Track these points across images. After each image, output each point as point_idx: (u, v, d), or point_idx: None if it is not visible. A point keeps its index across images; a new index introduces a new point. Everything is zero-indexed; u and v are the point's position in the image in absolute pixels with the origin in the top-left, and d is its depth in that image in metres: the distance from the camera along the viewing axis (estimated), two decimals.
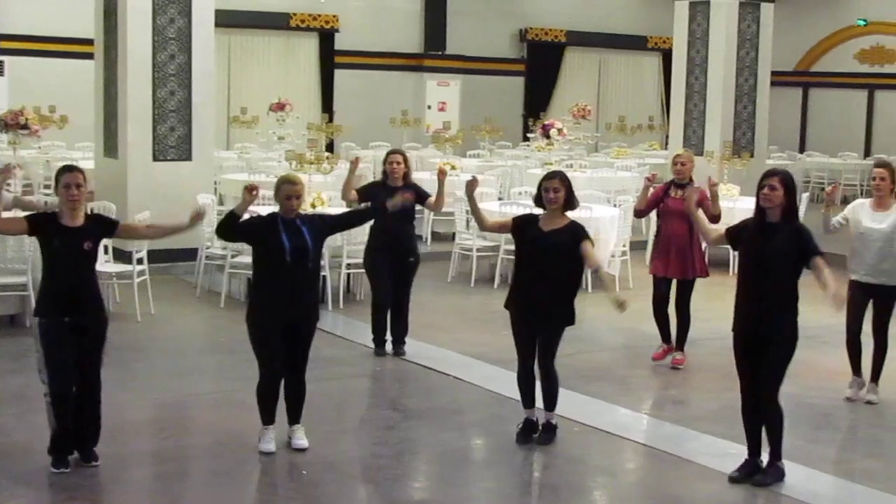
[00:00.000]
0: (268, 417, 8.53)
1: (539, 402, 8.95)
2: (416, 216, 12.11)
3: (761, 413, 8.18)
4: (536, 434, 8.95)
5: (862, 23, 29.38)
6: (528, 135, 26.09)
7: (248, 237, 8.72)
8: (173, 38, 15.72)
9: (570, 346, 10.52)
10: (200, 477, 8.50)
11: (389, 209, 9.28)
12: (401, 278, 11.48)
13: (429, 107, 28.16)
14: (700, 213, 9.02)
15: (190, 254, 14.85)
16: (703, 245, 11.61)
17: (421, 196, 11.48)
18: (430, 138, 25.07)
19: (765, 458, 8.28)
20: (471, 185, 9.16)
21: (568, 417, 9.42)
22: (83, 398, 8.01)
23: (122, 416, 9.34)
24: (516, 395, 9.07)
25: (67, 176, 8.00)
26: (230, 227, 8.38)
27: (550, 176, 8.91)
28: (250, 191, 8.23)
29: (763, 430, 8.24)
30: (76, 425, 8.03)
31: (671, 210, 11.26)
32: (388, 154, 11.64)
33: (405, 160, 11.51)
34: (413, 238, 11.65)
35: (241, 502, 7.92)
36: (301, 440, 8.58)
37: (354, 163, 11.79)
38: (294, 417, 8.64)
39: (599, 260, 8.76)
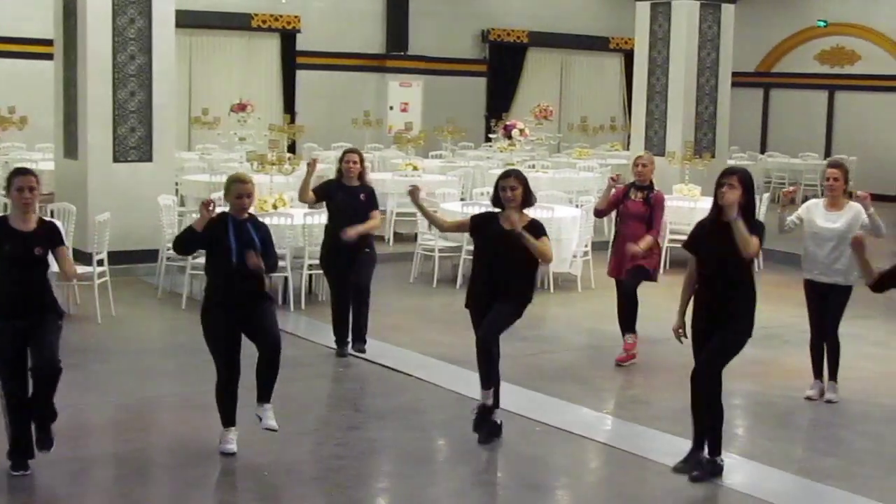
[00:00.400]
0: (227, 420, 8.49)
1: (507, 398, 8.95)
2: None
3: (698, 391, 8.18)
4: (492, 414, 8.89)
5: (822, 24, 29.54)
6: (490, 135, 26.13)
7: (200, 247, 8.64)
8: (133, 39, 15.64)
9: (532, 346, 10.58)
10: (161, 479, 8.46)
11: (250, 267, 8.39)
12: (357, 272, 11.43)
13: (391, 107, 28.12)
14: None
15: (151, 255, 14.80)
16: (663, 248, 11.66)
17: (369, 206, 11.42)
18: (392, 139, 25.05)
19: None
20: (413, 193, 9.12)
21: (530, 417, 9.45)
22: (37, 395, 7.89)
23: (83, 418, 9.29)
24: (478, 395, 9.06)
25: (20, 179, 7.89)
26: (187, 243, 8.38)
27: (507, 174, 8.93)
28: (207, 206, 8.20)
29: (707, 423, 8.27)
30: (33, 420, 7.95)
31: (630, 212, 11.30)
32: (345, 153, 11.63)
33: (361, 159, 11.51)
34: (368, 237, 11.60)
35: None
36: (270, 420, 8.50)
37: (312, 164, 11.77)
38: (265, 395, 8.53)
39: (547, 254, 8.73)
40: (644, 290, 11.53)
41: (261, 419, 8.53)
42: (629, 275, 11.34)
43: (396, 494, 8.27)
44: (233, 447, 8.45)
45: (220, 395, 8.48)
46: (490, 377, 8.83)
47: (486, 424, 8.93)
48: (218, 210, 8.39)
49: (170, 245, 14.00)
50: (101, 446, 8.98)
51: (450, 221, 9.61)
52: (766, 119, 31.33)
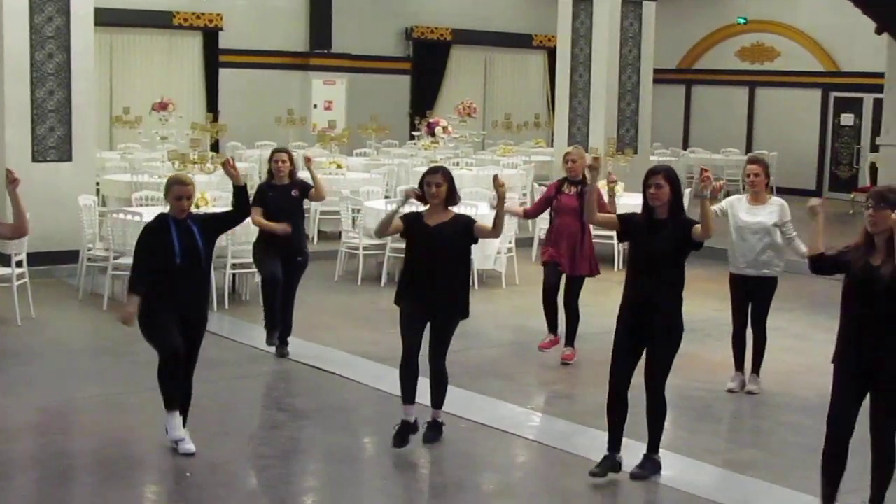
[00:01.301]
0: (171, 400, 8.38)
1: (424, 398, 8.92)
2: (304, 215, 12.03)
3: (647, 405, 8.26)
4: (414, 434, 8.85)
5: (742, 21, 29.82)
6: (415, 133, 26.12)
7: (148, 252, 8.53)
8: (51, 37, 15.45)
9: (457, 343, 10.52)
10: (84, 481, 8.36)
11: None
12: (287, 278, 11.41)
13: (315, 106, 28.00)
14: (596, 192, 8.90)
15: (72, 256, 14.63)
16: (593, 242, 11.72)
17: (305, 190, 11.47)
18: (316, 137, 24.96)
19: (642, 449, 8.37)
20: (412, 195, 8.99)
21: (455, 414, 9.44)
22: None
23: (2, 421, 9.17)
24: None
25: None
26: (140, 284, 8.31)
27: (433, 171, 8.94)
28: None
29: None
30: None
31: (564, 207, 11.34)
32: (274, 152, 11.61)
33: (290, 158, 11.49)
34: (302, 236, 11.61)
35: None
36: (188, 445, 8.45)
37: (226, 164, 11.68)
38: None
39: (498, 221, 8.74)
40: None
41: (177, 444, 8.47)
42: (571, 285, 11.40)
43: (321, 493, 8.24)
44: (181, 433, 8.39)
45: (162, 375, 8.35)
46: (443, 398, 8.93)
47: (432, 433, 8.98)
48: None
49: (91, 245, 13.93)
50: (21, 449, 8.85)
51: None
52: (688, 115, 31.58)
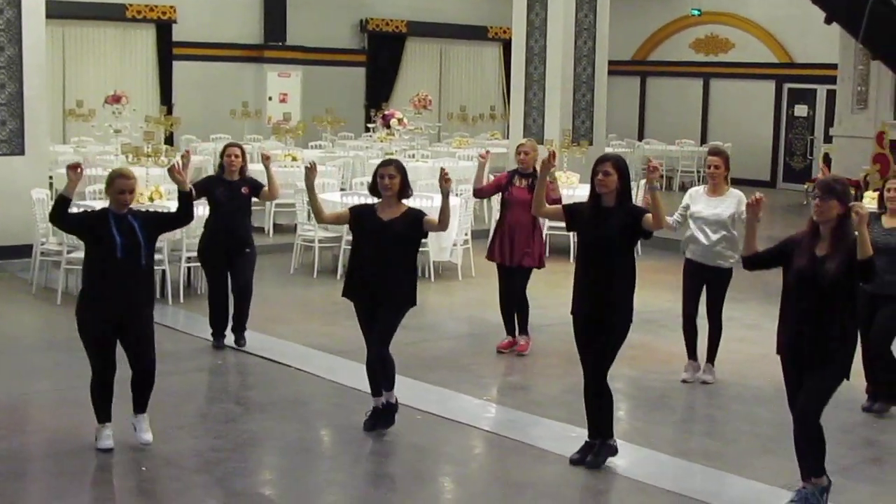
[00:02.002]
0: (102, 415, 8.39)
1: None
2: (254, 208, 11.97)
3: (593, 394, 8.30)
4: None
5: (696, 13, 29.95)
6: (370, 125, 26.08)
7: (78, 229, 8.52)
8: (2, 30, 15.33)
9: (412, 335, 10.58)
10: (37, 476, 8.30)
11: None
12: (238, 270, 11.40)
13: (270, 98, 27.94)
14: (544, 180, 8.94)
15: (25, 250, 14.54)
16: (545, 235, 11.75)
17: (256, 188, 11.44)
18: (271, 130, 24.90)
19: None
20: (310, 174, 9.08)
21: (411, 406, 9.45)
22: None
23: None
24: (358, 385, 9.07)
25: None
26: (61, 212, 8.22)
27: (386, 163, 8.94)
28: (74, 169, 8.12)
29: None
30: None
31: (515, 199, 11.31)
32: (226, 147, 11.55)
33: (243, 153, 11.44)
34: (248, 230, 11.56)
35: (80, 501, 7.75)
36: (145, 433, 8.43)
37: (185, 156, 11.67)
38: (139, 407, 8.48)
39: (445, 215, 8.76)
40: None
41: (136, 429, 8.47)
42: (519, 277, 11.41)
43: (278, 486, 8.23)
44: (109, 443, 8.34)
45: (94, 392, 8.37)
46: (392, 380, 8.95)
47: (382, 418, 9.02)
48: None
49: (44, 239, 13.83)
50: None
51: (329, 213, 9.58)
52: (643, 107, 31.71)
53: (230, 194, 11.28)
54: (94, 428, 8.39)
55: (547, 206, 8.72)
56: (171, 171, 8.64)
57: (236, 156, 11.34)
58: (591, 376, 8.29)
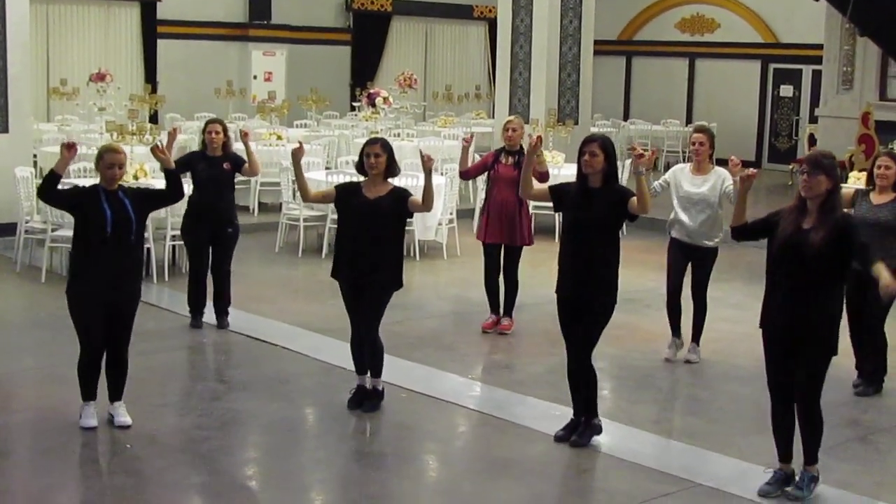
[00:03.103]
0: (87, 393, 8.38)
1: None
2: (238, 187, 11.95)
3: (577, 374, 8.31)
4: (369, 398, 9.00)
5: None
6: (355, 104, 26.02)
7: (68, 204, 8.51)
8: None
9: (397, 314, 10.57)
10: (21, 454, 8.30)
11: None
12: (220, 249, 11.38)
13: (255, 77, 27.86)
14: (529, 163, 8.97)
15: (9, 229, 14.50)
16: (531, 213, 11.76)
17: (238, 164, 11.41)
18: (255, 109, 24.84)
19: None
20: (297, 153, 9.08)
21: (395, 384, 9.46)
22: None
23: None
24: (343, 363, 9.08)
25: None
26: (51, 188, 8.20)
27: (372, 142, 8.93)
28: (69, 148, 8.10)
29: None
30: None
31: (501, 177, 11.31)
32: (207, 124, 11.51)
33: (224, 129, 11.40)
34: (231, 208, 11.52)
35: (64, 479, 7.73)
36: (124, 417, 8.43)
37: (172, 133, 11.65)
38: (115, 394, 8.49)
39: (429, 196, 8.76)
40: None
41: (113, 417, 8.46)
42: (508, 256, 11.43)
43: (262, 464, 8.23)
44: (93, 421, 8.34)
45: (81, 370, 8.36)
46: (380, 367, 8.99)
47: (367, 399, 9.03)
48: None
49: (28, 217, 13.79)
50: None
51: (315, 191, 9.58)
52: (629, 86, 31.68)
53: (212, 171, 11.23)
54: (79, 406, 8.38)
55: (534, 187, 8.71)
56: (154, 151, 8.62)
57: (217, 132, 11.30)
58: (575, 356, 8.31)
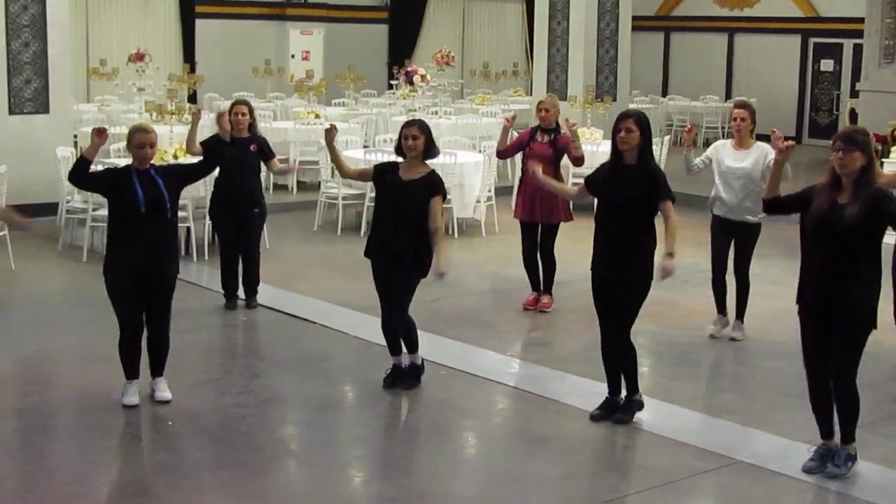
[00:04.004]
0: (130, 371, 8.45)
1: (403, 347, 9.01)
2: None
3: (616, 351, 8.30)
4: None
5: None
6: (392, 82, 26.04)
7: (99, 187, 8.58)
8: None
9: (435, 291, 10.60)
10: (64, 431, 8.37)
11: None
12: (247, 230, 11.37)
13: (292, 56, 27.91)
14: (552, 181, 9.15)
15: (51, 208, 14.61)
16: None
17: (265, 153, 11.39)
18: (293, 88, 24.89)
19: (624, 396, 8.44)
20: (329, 133, 9.10)
21: (434, 361, 9.48)
22: None
23: None
24: (382, 341, 9.09)
25: None
26: (81, 173, 8.26)
27: (410, 123, 8.92)
28: (99, 133, 8.13)
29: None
30: None
31: (536, 155, 11.29)
32: (233, 105, 11.48)
33: (250, 111, 11.39)
34: (257, 190, 11.49)
35: (106, 455, 7.79)
36: (164, 392, 8.52)
37: (196, 115, 11.64)
38: (156, 370, 8.57)
39: (439, 222, 8.73)
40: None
41: (153, 391, 8.54)
42: (545, 233, 11.44)
43: (301, 441, 8.28)
44: (135, 399, 8.41)
45: (122, 348, 8.42)
46: (415, 343, 8.99)
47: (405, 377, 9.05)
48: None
49: (70, 197, 13.89)
50: (1, 400, 8.85)
51: (353, 168, 9.62)
52: (667, 62, 31.55)
53: (238, 152, 11.16)
54: (121, 384, 8.45)
55: (574, 192, 8.85)
56: (220, 118, 9.18)
57: (243, 113, 11.28)
58: (609, 334, 8.29)
